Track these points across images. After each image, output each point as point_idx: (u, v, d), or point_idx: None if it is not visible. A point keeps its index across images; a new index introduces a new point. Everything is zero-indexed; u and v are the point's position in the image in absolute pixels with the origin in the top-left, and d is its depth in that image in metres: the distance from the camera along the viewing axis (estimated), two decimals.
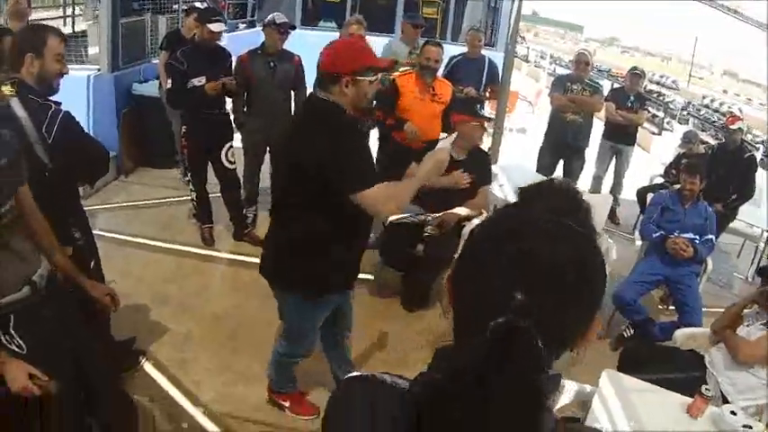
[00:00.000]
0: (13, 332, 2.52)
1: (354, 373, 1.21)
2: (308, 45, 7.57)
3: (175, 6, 9.11)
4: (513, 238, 0.97)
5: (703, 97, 27.46)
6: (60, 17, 11.88)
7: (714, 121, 21.64)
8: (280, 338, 3.64)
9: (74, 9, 11.89)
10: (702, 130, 20.64)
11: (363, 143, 3.14)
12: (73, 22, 11.50)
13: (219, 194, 6.07)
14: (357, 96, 2.92)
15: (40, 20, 10.60)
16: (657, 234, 5.42)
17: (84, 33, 9.60)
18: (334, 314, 3.54)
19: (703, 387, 3.33)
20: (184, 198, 6.46)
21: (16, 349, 2.50)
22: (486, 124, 5.44)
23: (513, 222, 1.03)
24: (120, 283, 4.69)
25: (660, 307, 6.03)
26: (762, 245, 7.77)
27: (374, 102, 3.09)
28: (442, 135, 5.94)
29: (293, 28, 6.06)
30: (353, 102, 2.94)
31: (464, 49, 7.70)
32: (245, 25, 14.15)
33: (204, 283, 5.56)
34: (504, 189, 5.89)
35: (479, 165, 5.34)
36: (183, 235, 6.14)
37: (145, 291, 5.10)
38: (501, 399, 0.86)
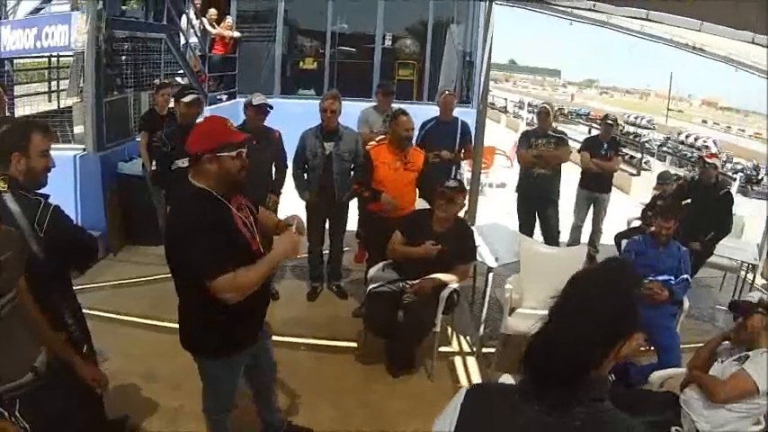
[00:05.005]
0: (18, 414, 2.66)
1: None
2: (288, 114, 7.77)
3: (156, 82, 9.22)
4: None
5: (679, 133, 27.77)
6: (46, 92, 11.92)
7: (691, 157, 21.93)
8: (203, 398, 3.77)
9: (58, 84, 11.89)
10: (680, 167, 20.87)
11: (219, 228, 3.10)
12: (58, 97, 11.50)
13: None
14: (221, 172, 3.09)
15: (26, 95, 10.80)
16: None
17: (70, 109, 9.69)
18: (251, 372, 3.82)
19: (673, 429, 3.46)
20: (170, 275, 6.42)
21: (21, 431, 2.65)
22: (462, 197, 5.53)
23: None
24: (111, 361, 4.82)
25: (642, 348, 6.04)
26: (743, 274, 7.87)
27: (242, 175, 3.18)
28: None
29: (270, 108, 6.24)
30: (219, 178, 3.10)
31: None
32: (226, 97, 14.37)
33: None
34: (479, 251, 5.99)
35: (460, 239, 5.45)
36: (170, 312, 6.01)
37: (136, 368, 5.16)
38: None
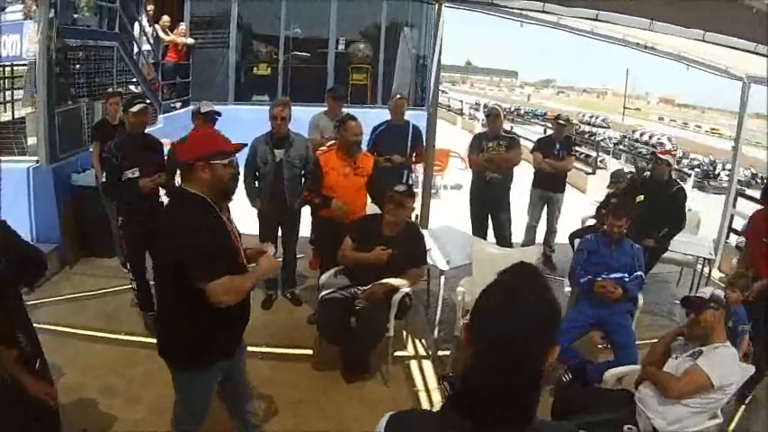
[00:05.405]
0: None
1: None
2: (242, 121, 7.73)
3: (110, 90, 9.11)
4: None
5: (634, 131, 28.24)
6: (0, 102, 11.76)
7: (646, 155, 22.29)
8: (175, 410, 3.75)
9: (13, 94, 11.73)
10: (634, 164, 21.10)
11: (215, 232, 3.21)
12: (13, 108, 11.36)
13: None
14: (214, 180, 3.18)
15: None
16: (584, 279, 5.59)
17: (24, 120, 9.56)
18: (224, 385, 3.76)
19: (625, 427, 3.52)
20: (127, 287, 6.39)
21: None
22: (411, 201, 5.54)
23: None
24: (69, 375, 4.79)
25: (600, 346, 6.12)
26: (699, 268, 7.94)
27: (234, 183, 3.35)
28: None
29: (219, 115, 6.24)
30: (211, 185, 3.19)
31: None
32: (180, 104, 14.23)
33: (151, 369, 5.34)
34: (431, 254, 6.04)
35: (410, 244, 5.47)
36: (127, 324, 6.10)
37: (93, 382, 5.09)
38: None
